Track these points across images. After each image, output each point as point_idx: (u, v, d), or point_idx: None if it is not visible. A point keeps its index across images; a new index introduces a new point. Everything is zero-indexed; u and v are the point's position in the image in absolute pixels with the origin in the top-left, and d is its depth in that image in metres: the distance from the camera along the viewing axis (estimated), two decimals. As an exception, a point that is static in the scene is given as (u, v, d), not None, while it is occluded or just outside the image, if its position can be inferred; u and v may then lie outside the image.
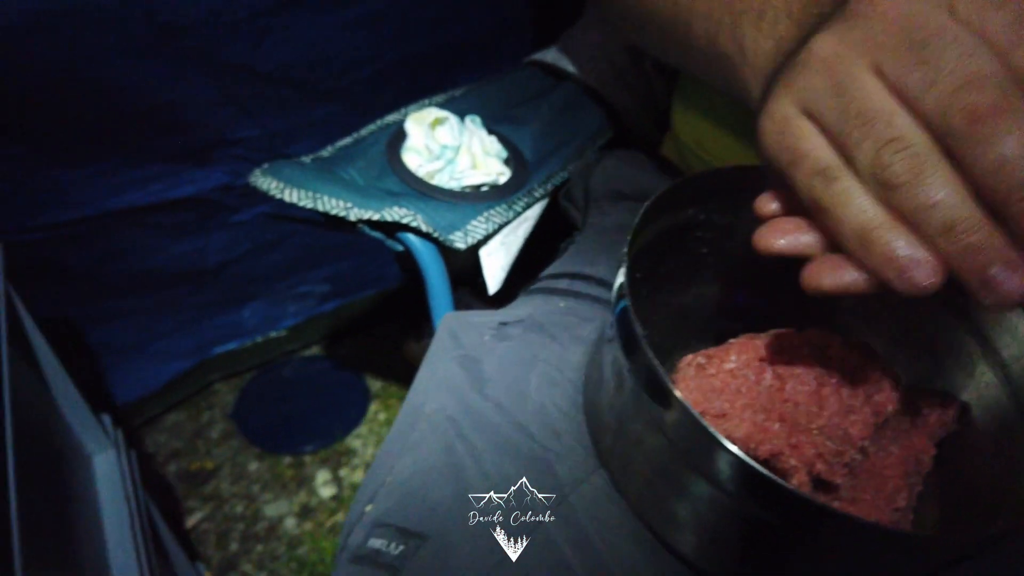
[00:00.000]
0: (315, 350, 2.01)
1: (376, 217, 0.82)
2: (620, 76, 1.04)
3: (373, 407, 1.98)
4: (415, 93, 1.03)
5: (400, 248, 0.88)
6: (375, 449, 1.94)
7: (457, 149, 0.95)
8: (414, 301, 1.97)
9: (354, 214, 0.82)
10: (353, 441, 1.93)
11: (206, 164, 1.40)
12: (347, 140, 0.99)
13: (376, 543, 0.61)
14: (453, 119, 0.95)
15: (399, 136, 0.98)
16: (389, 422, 1.96)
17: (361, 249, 1.84)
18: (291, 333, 1.91)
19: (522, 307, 0.78)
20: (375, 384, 1.99)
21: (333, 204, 0.84)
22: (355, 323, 2.01)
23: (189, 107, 1.30)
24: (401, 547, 0.59)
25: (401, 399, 1.86)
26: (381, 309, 2.02)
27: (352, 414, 1.93)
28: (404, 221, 0.82)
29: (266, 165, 0.89)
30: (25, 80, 1.10)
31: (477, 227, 0.90)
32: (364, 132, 1.00)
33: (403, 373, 2.00)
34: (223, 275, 1.73)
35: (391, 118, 1.02)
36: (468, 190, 0.95)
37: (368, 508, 0.64)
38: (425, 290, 0.88)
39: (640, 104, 1.07)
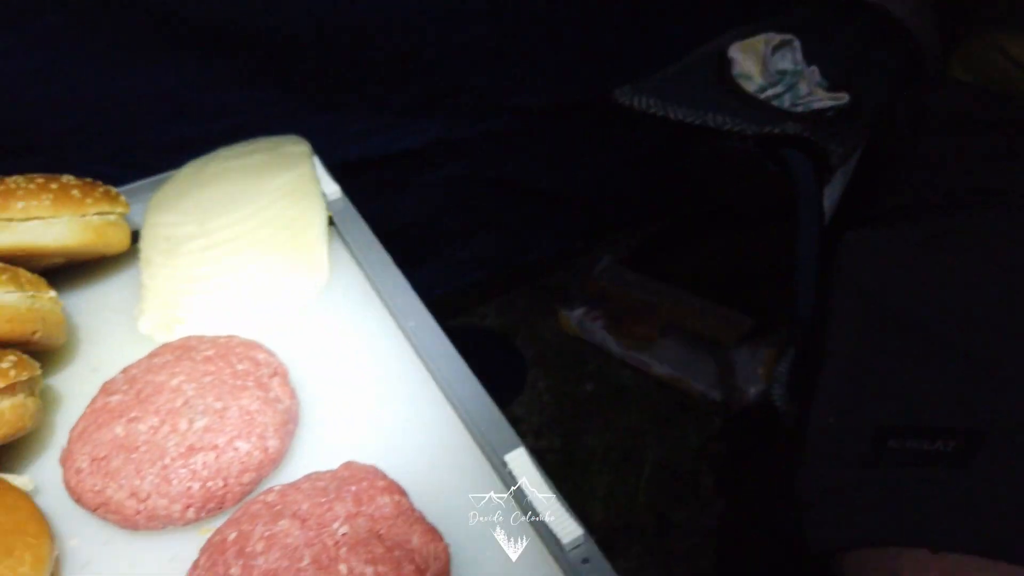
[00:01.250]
0: (470, 318, 1.99)
1: (776, 131, 0.81)
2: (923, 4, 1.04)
3: (532, 374, 1.97)
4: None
5: (770, 169, 0.87)
6: (540, 417, 1.92)
7: (797, 74, 0.95)
8: (565, 270, 1.97)
9: (751, 130, 0.81)
10: (517, 408, 1.92)
11: (432, 115, 1.39)
12: (672, 69, 0.98)
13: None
14: (797, 43, 0.94)
15: (722, 63, 0.98)
16: (550, 389, 1.95)
17: (522, 215, 1.84)
18: (445, 298, 1.89)
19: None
20: (530, 351, 1.98)
21: (721, 121, 0.83)
22: (510, 290, 2.00)
23: (430, 53, 1.29)
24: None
25: (559, 366, 1.85)
26: (535, 277, 2.01)
27: (514, 381, 1.91)
28: (805, 135, 0.82)
29: (627, 87, 0.88)
30: (290, 23, 1.08)
31: (835, 151, 0.89)
32: (688, 61, 0.99)
33: (557, 340, 1.99)
34: (400, 238, 1.71)
35: (703, 49, 1.02)
36: (809, 113, 0.94)
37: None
38: (798, 211, 0.87)
39: (933, 26, 1.07)
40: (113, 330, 0.74)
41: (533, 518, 0.54)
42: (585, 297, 1.91)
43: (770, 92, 0.95)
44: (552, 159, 1.66)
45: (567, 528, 0.53)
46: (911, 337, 0.69)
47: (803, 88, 0.96)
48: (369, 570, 0.46)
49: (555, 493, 0.55)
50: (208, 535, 0.55)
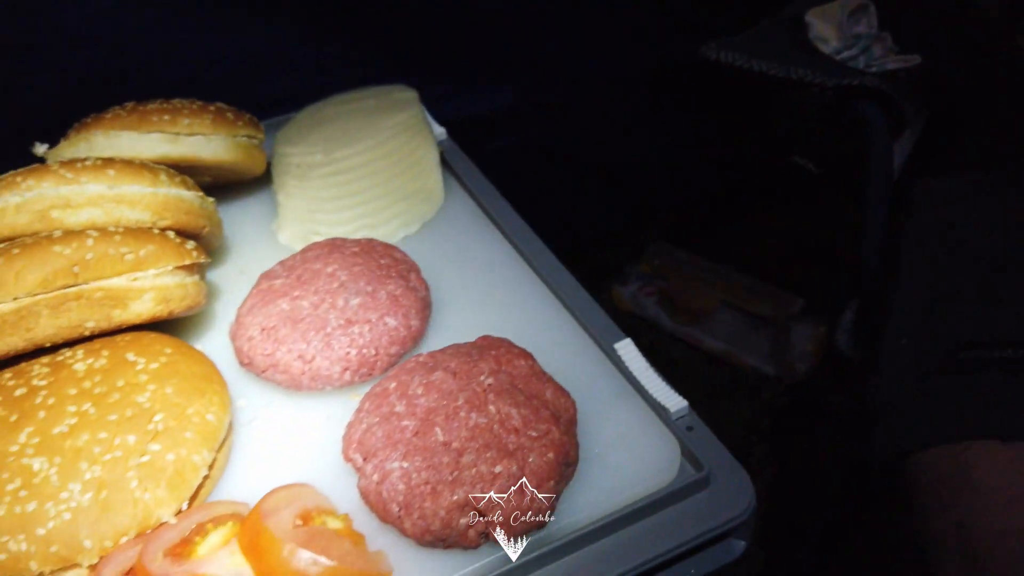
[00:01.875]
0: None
1: (856, 83, 0.88)
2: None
3: None
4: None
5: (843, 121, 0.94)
6: None
7: (871, 38, 1.01)
8: (619, 247, 2.02)
9: (831, 82, 0.88)
10: None
11: (500, 83, 1.46)
12: (750, 32, 1.04)
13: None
14: (872, 9, 1.00)
15: (798, 27, 1.04)
16: None
17: (579, 190, 1.89)
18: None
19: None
20: None
21: (803, 73, 0.89)
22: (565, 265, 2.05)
23: (504, 20, 1.36)
24: None
25: None
26: (589, 253, 2.07)
27: None
28: (881, 87, 0.88)
29: (712, 43, 0.95)
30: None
31: (907, 108, 0.95)
32: (764, 26, 1.05)
33: (610, 315, 2.04)
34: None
35: (777, 16, 1.08)
36: (883, 73, 1.00)
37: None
38: (870, 163, 0.93)
39: None
40: (254, 241, 0.83)
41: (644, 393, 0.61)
42: (639, 274, 1.96)
43: (845, 54, 1.01)
44: (613, 132, 1.72)
45: (673, 401, 0.61)
46: (984, 265, 0.74)
47: (877, 51, 1.02)
48: (514, 411, 0.54)
49: (660, 376, 0.63)
50: (358, 399, 0.63)
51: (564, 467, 0.53)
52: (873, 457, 0.73)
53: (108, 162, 0.66)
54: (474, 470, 0.51)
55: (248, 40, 1.25)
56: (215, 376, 0.61)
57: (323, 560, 0.49)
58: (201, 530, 0.52)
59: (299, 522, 0.52)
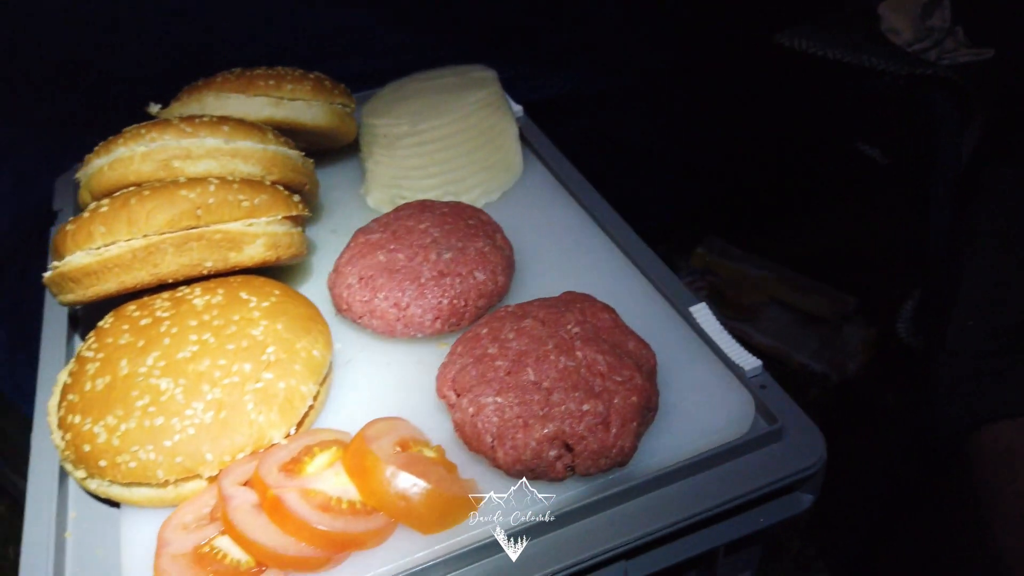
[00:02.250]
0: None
1: (929, 72, 0.89)
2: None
3: None
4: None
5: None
6: None
7: (944, 31, 1.02)
8: (671, 241, 2.02)
9: (905, 70, 0.89)
10: None
11: (566, 68, 1.49)
12: (822, 22, 1.06)
13: None
14: (947, 2, 1.01)
15: (870, 19, 1.05)
16: None
17: (635, 180, 1.91)
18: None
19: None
20: None
21: (876, 62, 0.91)
22: None
23: (570, 6, 1.40)
24: None
25: None
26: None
27: None
28: (953, 78, 0.89)
29: (787, 30, 0.97)
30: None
31: (977, 100, 0.96)
32: (835, 17, 1.07)
33: None
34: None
35: (849, 8, 1.09)
36: (955, 66, 1.01)
37: None
38: (938, 152, 0.95)
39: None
40: (343, 203, 0.88)
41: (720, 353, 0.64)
42: (690, 268, 1.97)
43: (917, 46, 1.02)
44: (673, 123, 1.74)
45: (747, 360, 0.64)
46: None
47: (949, 44, 1.03)
48: (600, 357, 0.58)
49: (733, 338, 0.66)
50: (446, 348, 0.67)
51: (646, 411, 0.57)
52: (940, 433, 0.75)
53: (222, 119, 0.71)
54: (563, 407, 0.55)
55: (332, 19, 1.31)
56: (319, 317, 0.66)
57: (421, 482, 0.53)
58: (309, 452, 0.57)
59: (398, 449, 0.56)
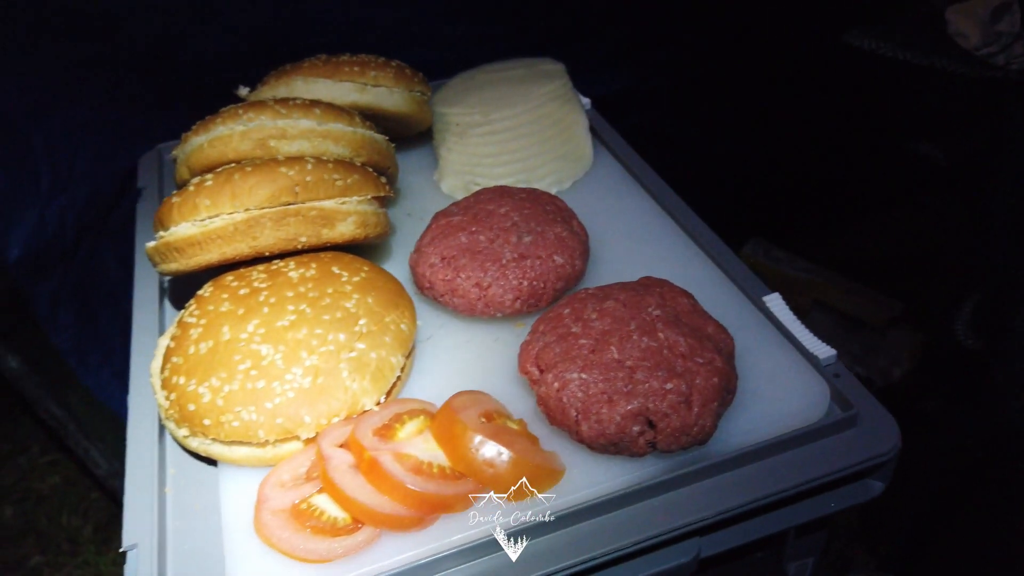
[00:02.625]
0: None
1: (999, 76, 0.90)
2: None
3: None
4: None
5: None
6: None
7: (1013, 35, 1.02)
8: None
9: (976, 73, 0.90)
10: None
11: (624, 65, 1.50)
12: (883, 26, 1.07)
13: None
14: (1016, 7, 1.01)
15: (937, 23, 1.06)
16: None
17: (684, 178, 1.91)
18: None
19: None
20: None
21: (947, 63, 0.92)
22: None
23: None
24: None
25: None
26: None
27: None
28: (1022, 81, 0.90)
29: (855, 30, 0.98)
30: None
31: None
32: (902, 20, 1.07)
33: None
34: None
35: (915, 11, 1.10)
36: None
37: None
38: (1004, 155, 0.95)
39: None
40: (418, 188, 0.91)
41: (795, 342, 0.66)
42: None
43: (985, 51, 1.03)
44: (726, 123, 1.74)
45: (822, 349, 0.65)
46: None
47: (1017, 48, 1.03)
48: (681, 339, 0.59)
49: (807, 328, 0.67)
50: (523, 328, 0.70)
51: (725, 393, 0.59)
52: (1002, 429, 0.76)
53: (313, 103, 0.74)
54: (647, 385, 0.57)
55: (399, 10, 1.34)
56: (405, 293, 0.69)
57: (507, 451, 0.56)
58: (399, 419, 0.60)
59: (483, 420, 0.59)
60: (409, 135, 0.95)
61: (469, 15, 1.37)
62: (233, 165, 0.68)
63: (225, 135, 0.70)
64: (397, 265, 0.78)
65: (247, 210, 0.65)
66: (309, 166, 0.67)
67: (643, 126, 1.74)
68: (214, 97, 1.32)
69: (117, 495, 1.33)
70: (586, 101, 1.00)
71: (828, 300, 1.86)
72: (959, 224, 1.26)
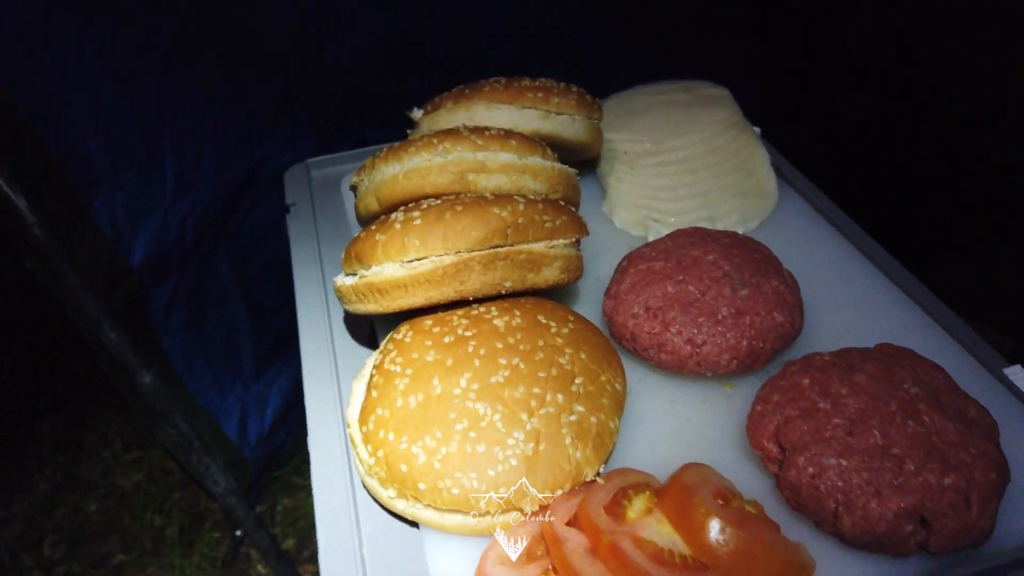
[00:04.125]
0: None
1: None
2: None
3: None
4: None
5: None
6: None
7: None
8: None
9: None
10: None
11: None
12: None
13: None
14: None
15: None
16: None
17: None
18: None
19: None
20: None
21: None
22: None
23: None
24: None
25: None
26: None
27: None
28: None
29: None
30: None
31: None
32: None
33: None
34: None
35: None
36: None
37: None
38: None
39: None
40: (588, 221, 0.85)
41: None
42: None
43: None
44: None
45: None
46: None
47: None
48: (950, 425, 0.53)
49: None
50: (732, 389, 0.64)
51: (1002, 487, 0.52)
52: None
53: (508, 133, 0.69)
54: (920, 478, 0.50)
55: (536, 21, 1.29)
56: (613, 348, 0.63)
57: (757, 544, 0.50)
58: (624, 494, 0.55)
59: (720, 502, 0.53)
60: (578, 161, 0.90)
61: (614, 30, 1.32)
62: (439, 202, 0.63)
63: (423, 167, 0.66)
64: (583, 306, 0.73)
65: (457, 252, 0.60)
66: (521, 206, 0.62)
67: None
68: (339, 106, 1.28)
69: (232, 512, 1.30)
70: (756, 130, 0.93)
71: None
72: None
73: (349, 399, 0.62)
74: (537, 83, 0.79)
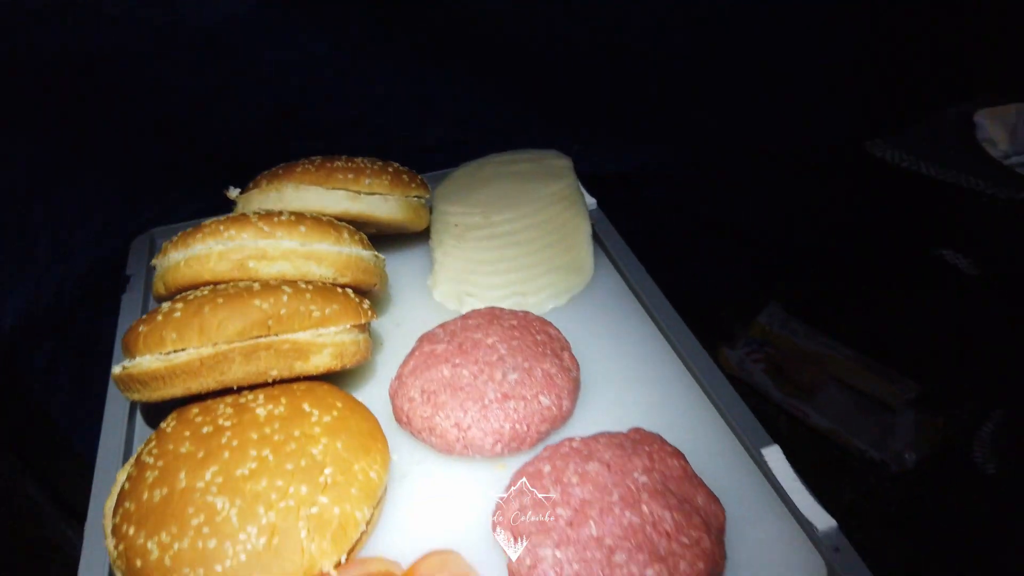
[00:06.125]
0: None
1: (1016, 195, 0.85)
2: None
3: None
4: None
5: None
6: None
7: (1039, 146, 0.97)
8: (733, 305, 1.98)
9: (1005, 193, 0.85)
10: None
11: (643, 143, 1.48)
12: (919, 128, 1.03)
13: None
14: (1041, 116, 0.97)
15: (968, 127, 1.01)
16: None
17: (704, 248, 1.87)
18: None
19: None
20: None
21: (974, 183, 0.87)
22: None
23: (651, 87, 1.39)
24: None
25: None
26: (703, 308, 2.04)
27: None
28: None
29: (879, 140, 0.94)
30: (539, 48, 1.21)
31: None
32: (933, 121, 1.04)
33: None
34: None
35: (948, 112, 1.06)
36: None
37: None
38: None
39: None
40: (409, 294, 0.87)
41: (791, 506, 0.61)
42: (748, 339, 1.92)
43: (1015, 159, 0.98)
44: (747, 198, 1.70)
45: (821, 518, 0.60)
46: None
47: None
48: (667, 515, 0.55)
49: (807, 488, 0.63)
50: (504, 470, 0.66)
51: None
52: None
53: (300, 218, 0.71)
54: (625, 570, 0.52)
55: (409, 88, 1.32)
56: (379, 434, 0.65)
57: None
58: (359, 586, 0.56)
59: (451, 593, 0.55)
60: (404, 234, 0.92)
61: (483, 95, 1.35)
62: (206, 292, 0.65)
63: (203, 254, 0.67)
64: (382, 383, 0.75)
65: (215, 345, 0.61)
66: (285, 297, 0.64)
67: (659, 199, 1.71)
68: (222, 172, 1.30)
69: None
70: (591, 201, 0.96)
71: (844, 377, 1.80)
72: (985, 330, 1.20)
73: (112, 489, 0.63)
74: (351, 163, 0.81)
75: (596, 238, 0.91)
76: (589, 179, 1.11)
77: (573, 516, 0.55)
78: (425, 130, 1.33)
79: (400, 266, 0.91)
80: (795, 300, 1.97)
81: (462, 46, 1.24)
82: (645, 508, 0.55)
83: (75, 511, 1.25)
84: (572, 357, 0.72)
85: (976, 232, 0.99)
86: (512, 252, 0.86)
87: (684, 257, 1.88)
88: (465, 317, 0.74)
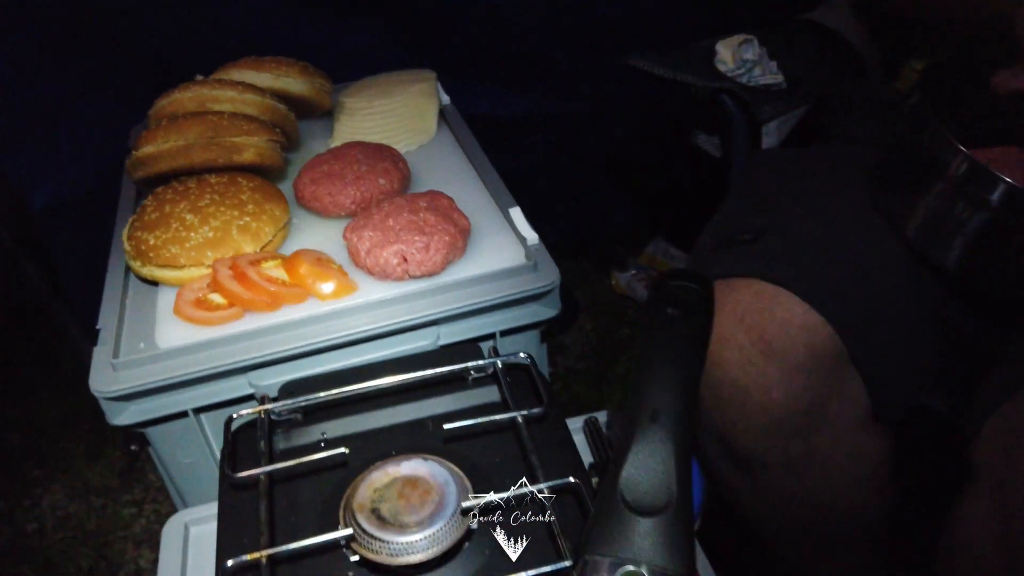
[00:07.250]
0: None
1: (718, 85, 1.33)
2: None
3: (582, 319, 2.41)
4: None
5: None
6: (583, 346, 2.35)
7: (754, 62, 1.45)
8: (626, 243, 2.42)
9: (700, 83, 1.33)
10: (565, 338, 2.37)
11: (529, 90, 1.93)
12: (677, 52, 1.50)
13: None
14: (755, 40, 1.45)
15: (710, 53, 1.49)
16: (595, 329, 2.39)
17: (597, 189, 2.31)
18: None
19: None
20: (585, 302, 2.42)
21: (689, 78, 1.35)
22: (577, 255, 2.48)
23: (532, 37, 1.85)
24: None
25: (604, 314, 2.30)
26: (602, 246, 2.47)
27: (566, 319, 2.38)
28: (734, 89, 1.33)
29: (637, 54, 1.41)
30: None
31: (765, 108, 1.39)
32: (689, 48, 1.51)
33: (607, 296, 2.43)
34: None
35: (702, 43, 1.54)
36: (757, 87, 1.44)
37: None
38: (731, 147, 1.37)
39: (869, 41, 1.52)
40: (317, 147, 1.34)
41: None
42: (636, 264, 2.36)
43: (735, 72, 1.46)
44: (624, 141, 2.15)
45: (530, 234, 1.07)
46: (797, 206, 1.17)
47: (757, 72, 1.47)
48: (431, 217, 1.01)
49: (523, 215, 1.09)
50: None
51: (453, 248, 1.00)
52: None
53: (239, 82, 1.18)
54: (404, 235, 0.98)
55: (312, 35, 1.77)
56: (281, 196, 1.11)
57: (324, 266, 0.97)
58: (264, 258, 1.01)
59: (318, 260, 1.00)
60: (316, 114, 1.38)
61: (385, 41, 1.81)
62: (180, 115, 1.11)
63: (178, 98, 1.14)
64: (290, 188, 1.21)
65: (186, 139, 1.07)
66: (225, 118, 1.10)
67: (552, 143, 2.15)
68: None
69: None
70: (446, 98, 1.43)
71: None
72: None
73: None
74: (276, 59, 1.28)
75: (443, 117, 1.38)
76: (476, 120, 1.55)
77: (383, 218, 1.02)
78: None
79: (313, 132, 1.37)
80: (678, 233, 2.40)
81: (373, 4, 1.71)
82: (421, 214, 1.02)
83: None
84: (405, 164, 1.19)
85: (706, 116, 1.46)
86: (382, 121, 1.33)
87: (578, 200, 2.31)
88: (347, 144, 1.21)
